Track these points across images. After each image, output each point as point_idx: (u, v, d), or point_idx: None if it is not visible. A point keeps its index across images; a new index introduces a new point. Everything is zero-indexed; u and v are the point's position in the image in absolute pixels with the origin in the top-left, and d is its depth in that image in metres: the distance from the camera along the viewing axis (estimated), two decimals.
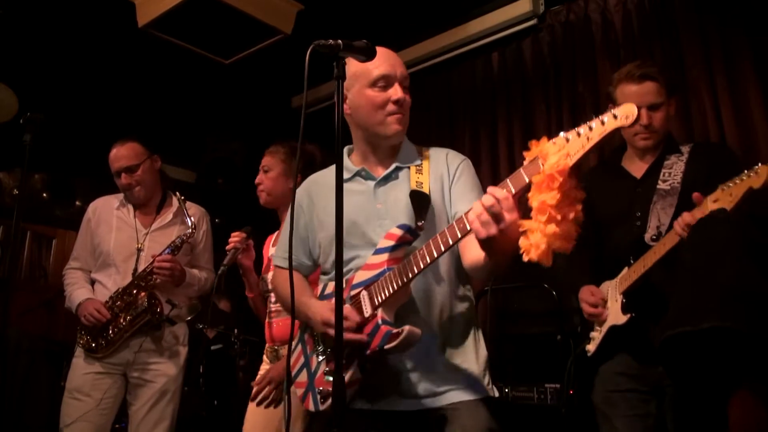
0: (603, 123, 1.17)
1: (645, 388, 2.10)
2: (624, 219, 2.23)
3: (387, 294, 1.60)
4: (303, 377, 1.79)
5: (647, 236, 2.12)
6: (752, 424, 1.39)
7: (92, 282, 2.81)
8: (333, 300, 1.66)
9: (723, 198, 1.83)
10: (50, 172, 4.72)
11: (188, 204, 2.85)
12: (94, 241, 2.81)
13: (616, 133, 1.19)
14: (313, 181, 1.96)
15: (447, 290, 1.73)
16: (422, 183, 1.75)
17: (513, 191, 1.37)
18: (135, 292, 2.67)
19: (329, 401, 1.65)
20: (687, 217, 1.91)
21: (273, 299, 2.50)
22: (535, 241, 1.25)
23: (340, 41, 1.49)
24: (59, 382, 3.76)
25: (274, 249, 2.22)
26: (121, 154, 2.78)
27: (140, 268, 2.71)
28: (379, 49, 1.61)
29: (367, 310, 1.63)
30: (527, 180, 1.34)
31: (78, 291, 2.74)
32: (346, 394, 1.35)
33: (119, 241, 2.77)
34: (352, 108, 1.79)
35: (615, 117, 1.16)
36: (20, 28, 3.94)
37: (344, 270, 1.73)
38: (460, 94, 4.21)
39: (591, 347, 2.24)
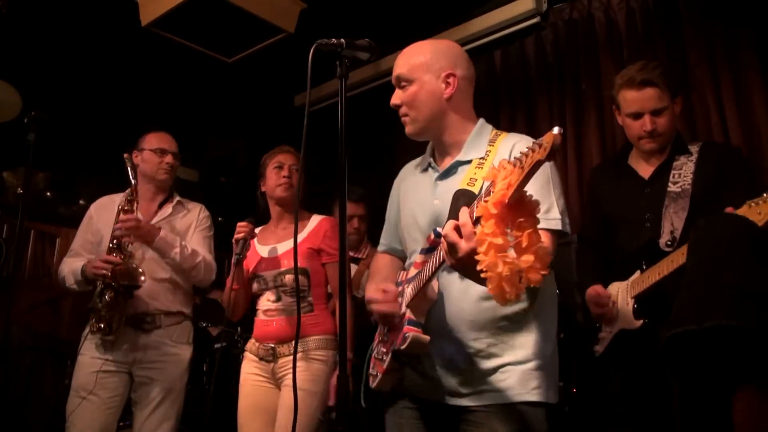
0: (532, 152, 1.09)
1: (653, 388, 2.09)
2: (633, 220, 2.21)
3: (411, 296, 1.62)
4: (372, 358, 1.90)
5: (662, 241, 2.10)
6: (757, 422, 1.39)
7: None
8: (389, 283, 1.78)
9: (750, 214, 1.75)
10: (53, 170, 4.73)
11: (189, 202, 2.90)
12: (95, 238, 2.81)
13: (567, 136, 1.11)
14: (404, 169, 2.00)
15: (485, 291, 1.67)
16: (476, 180, 1.65)
17: (474, 216, 1.31)
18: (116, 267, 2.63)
19: (377, 381, 1.74)
20: None
21: (272, 298, 2.50)
22: (485, 275, 1.18)
23: (342, 40, 1.50)
24: (63, 380, 3.77)
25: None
26: (173, 141, 2.92)
27: (137, 264, 2.69)
28: None
29: (403, 308, 1.66)
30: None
31: (77, 263, 2.72)
32: (349, 387, 1.38)
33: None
34: None
35: (539, 146, 1.08)
36: (24, 26, 3.94)
37: (408, 263, 1.82)
38: None
39: (599, 348, 2.24)
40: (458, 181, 1.68)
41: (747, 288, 1.35)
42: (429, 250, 1.62)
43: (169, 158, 2.87)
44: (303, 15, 3.67)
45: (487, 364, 1.62)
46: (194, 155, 5.01)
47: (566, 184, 3.58)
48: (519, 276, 1.16)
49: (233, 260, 2.46)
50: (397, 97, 1.76)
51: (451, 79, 1.75)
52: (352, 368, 2.36)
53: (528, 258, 1.13)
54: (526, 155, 1.11)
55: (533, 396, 1.60)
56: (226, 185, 4.93)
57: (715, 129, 3.02)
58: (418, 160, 1.95)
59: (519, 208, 1.14)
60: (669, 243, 2.08)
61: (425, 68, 1.73)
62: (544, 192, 1.61)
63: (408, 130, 1.77)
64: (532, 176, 1.10)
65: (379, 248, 2.04)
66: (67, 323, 4.24)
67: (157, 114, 4.44)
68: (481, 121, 1.82)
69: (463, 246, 1.30)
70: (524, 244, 1.13)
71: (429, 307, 1.62)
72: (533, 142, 1.10)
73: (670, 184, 2.16)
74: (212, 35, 3.77)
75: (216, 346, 4.00)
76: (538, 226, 1.42)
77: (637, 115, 2.20)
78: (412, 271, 1.70)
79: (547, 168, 1.63)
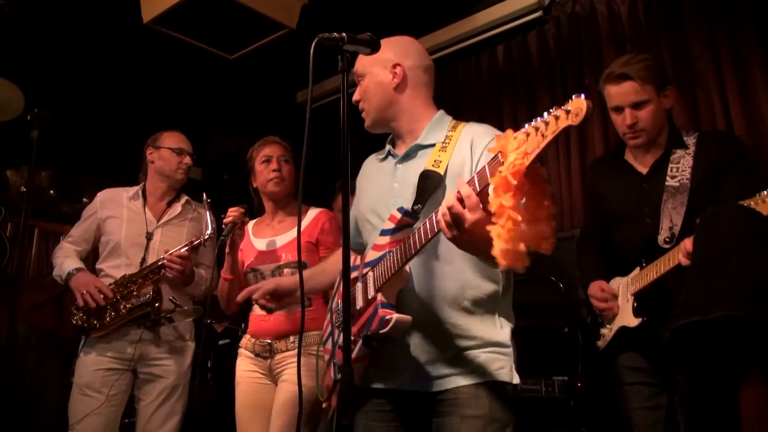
0: (556, 119, 1.08)
1: (656, 382, 2.09)
2: (633, 216, 2.20)
3: (386, 278, 1.60)
4: (329, 345, 1.88)
5: (660, 238, 2.08)
6: (764, 413, 1.39)
7: (98, 272, 2.80)
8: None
9: (761, 209, 1.75)
10: (56, 168, 4.74)
11: (197, 203, 2.90)
12: (99, 230, 2.82)
13: (571, 129, 1.07)
14: (365, 163, 2.00)
15: (457, 272, 1.65)
16: (441, 161, 1.68)
17: (478, 188, 1.32)
18: (141, 281, 2.67)
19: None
20: (688, 245, 1.87)
21: None
22: (500, 247, 1.18)
23: (344, 34, 1.49)
24: (68, 378, 3.77)
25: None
26: (189, 142, 2.95)
27: (148, 258, 2.71)
28: None
29: (370, 292, 1.65)
30: (489, 178, 1.27)
31: (70, 260, 2.73)
32: (353, 379, 1.35)
33: (130, 231, 2.78)
34: None
35: (567, 113, 1.06)
36: (26, 25, 3.94)
37: (365, 249, 1.81)
38: (466, 87, 4.20)
39: (601, 344, 2.24)
40: (420, 164, 1.71)
41: (753, 278, 1.35)
42: (395, 230, 1.62)
43: (187, 159, 2.90)
44: (305, 11, 3.66)
45: (448, 346, 1.63)
46: (197, 153, 5.00)
47: (569, 179, 3.58)
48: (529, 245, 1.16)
49: (218, 242, 2.48)
50: (356, 93, 1.83)
51: (397, 69, 1.79)
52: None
53: (541, 229, 1.13)
54: (547, 123, 1.10)
55: (499, 376, 1.62)
56: (230, 182, 4.92)
57: (719, 120, 3.01)
58: (379, 152, 1.96)
59: (534, 177, 1.13)
60: (667, 240, 2.06)
61: (374, 62, 1.79)
62: None
63: (365, 123, 1.85)
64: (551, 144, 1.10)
65: None
66: (71, 321, 4.25)
67: (160, 111, 4.45)
68: (441, 112, 1.85)
69: (469, 217, 1.30)
70: (540, 215, 1.14)
71: (399, 289, 1.62)
72: (558, 109, 1.09)
73: (668, 178, 2.14)
74: (214, 32, 3.76)
75: (220, 342, 4.01)
76: None
77: (617, 109, 2.20)
78: (372, 254, 1.69)
79: None
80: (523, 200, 1.16)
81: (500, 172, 1.17)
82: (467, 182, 1.35)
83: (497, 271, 1.69)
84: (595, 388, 2.28)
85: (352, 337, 1.63)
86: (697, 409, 1.90)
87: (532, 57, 3.88)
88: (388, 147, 1.88)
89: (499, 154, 1.20)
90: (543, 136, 1.10)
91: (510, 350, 1.67)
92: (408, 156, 1.79)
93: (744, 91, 2.97)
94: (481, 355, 1.63)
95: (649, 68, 2.15)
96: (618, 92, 2.17)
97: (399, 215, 1.62)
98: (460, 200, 1.32)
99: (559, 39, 3.75)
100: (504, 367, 1.64)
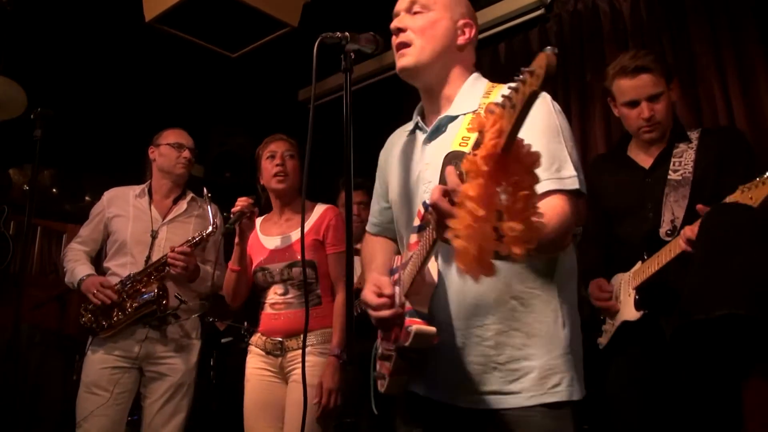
0: (524, 84, 0.86)
1: (658, 380, 2.09)
2: (635, 211, 2.20)
3: (408, 283, 1.38)
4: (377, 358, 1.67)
5: (662, 231, 2.09)
6: (767, 409, 1.39)
7: (105, 271, 2.82)
8: (387, 277, 1.51)
9: (743, 200, 1.75)
10: (59, 167, 4.75)
11: (202, 200, 2.90)
12: (107, 229, 2.84)
13: (541, 91, 0.86)
14: (392, 136, 1.75)
15: (500, 272, 1.36)
16: (469, 138, 1.36)
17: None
18: (146, 280, 2.68)
19: (385, 384, 1.52)
20: (688, 232, 1.87)
21: (279, 291, 2.50)
22: (461, 248, 0.92)
23: (347, 33, 1.49)
24: (71, 375, 3.79)
25: None
26: (190, 137, 2.95)
27: (153, 256, 2.73)
28: None
29: (401, 298, 1.44)
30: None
31: (81, 266, 2.77)
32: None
33: (135, 229, 2.79)
34: None
35: (531, 74, 0.85)
36: (28, 23, 3.95)
37: (403, 244, 1.61)
38: None
39: (603, 340, 2.24)
40: (449, 141, 1.44)
41: (754, 277, 1.35)
42: (421, 228, 1.37)
43: (186, 153, 2.90)
44: (306, 9, 3.66)
45: (496, 357, 1.38)
46: (199, 151, 5.01)
47: None
48: (496, 248, 0.90)
49: (223, 230, 2.48)
50: (402, 21, 1.53)
51: (467, 29, 1.56)
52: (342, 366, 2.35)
53: (515, 226, 0.88)
54: (516, 90, 0.88)
55: (554, 396, 1.36)
56: (231, 180, 4.93)
57: (721, 118, 3.01)
58: (407, 124, 1.69)
59: (514, 163, 0.89)
60: (669, 232, 2.07)
61: (446, 6, 1.55)
62: (555, 146, 1.35)
63: (406, 61, 1.52)
64: (526, 117, 0.86)
65: (370, 229, 1.79)
66: (74, 319, 4.25)
67: (162, 110, 4.45)
68: (476, 75, 1.58)
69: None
70: (518, 207, 0.89)
71: (430, 294, 1.39)
72: (521, 71, 0.88)
73: (670, 172, 2.15)
74: (216, 30, 3.76)
75: (223, 340, 4.02)
76: (551, 188, 1.28)
77: (633, 103, 2.19)
78: (406, 255, 1.49)
79: (554, 116, 1.41)
80: (503, 192, 0.91)
81: (475, 154, 0.93)
82: (456, 170, 1.07)
83: (550, 261, 1.42)
84: (597, 387, 2.27)
85: (390, 348, 1.48)
86: (701, 408, 1.90)
87: (534, 55, 3.85)
88: (416, 118, 1.62)
89: (480, 134, 0.96)
90: (513, 108, 0.87)
91: (571, 358, 1.40)
92: (438, 130, 1.53)
93: (746, 89, 2.96)
94: (534, 370, 1.37)
95: (658, 60, 2.17)
96: (634, 86, 2.16)
97: (422, 211, 1.38)
98: (446, 194, 1.07)
99: (561, 37, 3.74)
100: (560, 384, 1.37)
